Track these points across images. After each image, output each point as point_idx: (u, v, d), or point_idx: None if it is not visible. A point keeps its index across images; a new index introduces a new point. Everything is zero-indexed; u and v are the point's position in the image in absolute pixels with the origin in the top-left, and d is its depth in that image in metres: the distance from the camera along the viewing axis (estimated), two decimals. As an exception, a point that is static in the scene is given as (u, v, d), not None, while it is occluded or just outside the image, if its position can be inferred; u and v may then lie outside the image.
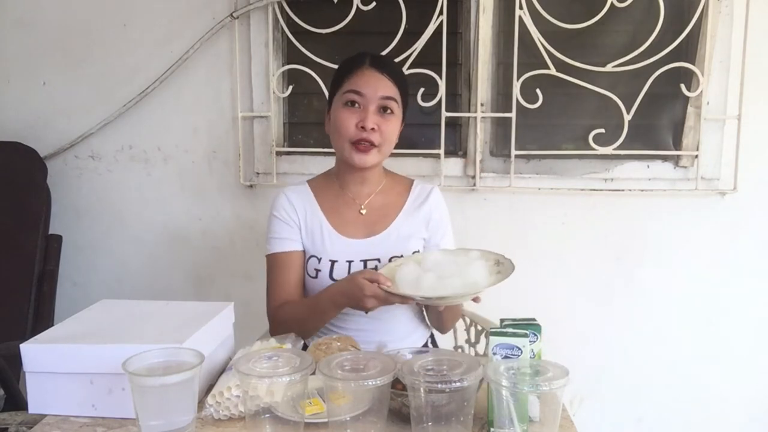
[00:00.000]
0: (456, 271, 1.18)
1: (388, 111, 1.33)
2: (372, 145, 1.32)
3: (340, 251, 1.37)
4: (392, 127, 1.34)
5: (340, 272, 1.35)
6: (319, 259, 1.37)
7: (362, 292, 1.16)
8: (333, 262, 1.36)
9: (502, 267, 1.20)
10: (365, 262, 1.36)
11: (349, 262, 1.36)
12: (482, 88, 1.99)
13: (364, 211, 1.41)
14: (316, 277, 1.37)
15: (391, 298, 1.15)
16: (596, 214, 2.03)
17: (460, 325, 1.74)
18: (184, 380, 0.86)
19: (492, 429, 0.91)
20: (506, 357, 0.93)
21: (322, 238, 1.38)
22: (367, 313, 1.25)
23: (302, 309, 1.34)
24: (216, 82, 2.08)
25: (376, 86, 1.32)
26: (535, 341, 0.96)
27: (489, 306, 1.65)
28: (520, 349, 0.93)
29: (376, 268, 1.35)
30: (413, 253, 1.38)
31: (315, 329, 1.35)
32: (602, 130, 1.94)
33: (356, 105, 1.32)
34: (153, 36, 2.07)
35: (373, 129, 1.30)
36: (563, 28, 1.90)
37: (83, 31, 2.09)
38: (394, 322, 1.40)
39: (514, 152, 1.97)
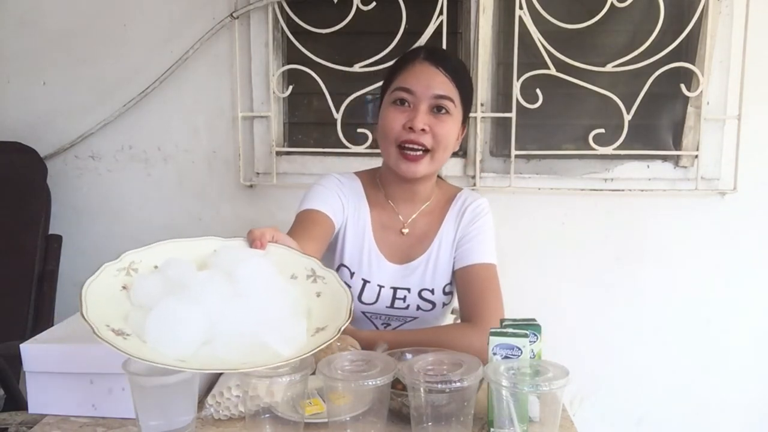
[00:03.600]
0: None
1: (443, 111, 1.17)
2: (424, 150, 1.16)
3: (375, 273, 1.27)
4: (447, 129, 1.16)
5: (369, 295, 1.27)
6: (352, 274, 1.26)
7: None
8: (365, 282, 1.26)
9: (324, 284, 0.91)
10: (395, 289, 1.27)
11: (380, 286, 1.27)
12: (482, 88, 1.99)
13: (406, 231, 1.29)
14: None
15: None
16: (596, 214, 2.03)
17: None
18: (184, 380, 0.86)
19: (492, 429, 0.91)
20: (506, 357, 0.92)
21: (361, 252, 1.26)
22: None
23: None
24: (216, 82, 2.07)
25: (429, 83, 1.16)
26: (535, 341, 0.96)
27: (489, 306, 1.66)
28: (520, 349, 0.92)
29: (404, 299, 1.26)
30: (444, 286, 1.27)
31: None
32: (602, 130, 1.95)
33: (405, 104, 1.17)
34: (153, 36, 2.07)
35: (423, 130, 1.14)
36: (563, 28, 1.90)
37: (83, 31, 2.09)
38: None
39: (514, 152, 1.97)
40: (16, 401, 1.53)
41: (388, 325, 1.30)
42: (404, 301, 1.27)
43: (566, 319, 2.02)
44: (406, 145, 1.16)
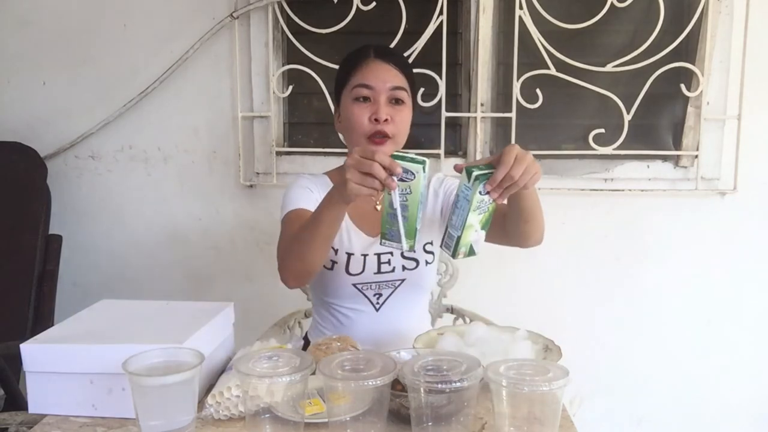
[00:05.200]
0: (500, 349, 1.09)
1: (399, 101, 1.31)
2: (387, 136, 1.29)
3: (356, 245, 1.37)
4: (404, 116, 1.32)
5: (355, 265, 1.35)
6: (336, 251, 1.36)
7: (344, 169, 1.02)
8: (349, 255, 1.35)
9: (550, 354, 1.10)
10: (379, 255, 1.36)
11: (364, 255, 1.36)
12: (482, 88, 1.99)
13: (379, 207, 1.40)
14: (331, 268, 1.36)
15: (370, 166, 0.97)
16: (596, 214, 2.03)
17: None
18: (184, 380, 0.86)
19: (383, 241, 1.01)
20: (402, 180, 0.98)
21: (340, 231, 1.35)
22: (347, 202, 1.08)
23: (300, 228, 1.21)
24: (216, 82, 2.07)
25: (385, 77, 1.30)
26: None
27: (488, 306, 1.66)
28: (414, 174, 0.97)
29: (389, 262, 1.36)
30: (425, 245, 1.38)
31: (313, 244, 1.16)
32: (602, 130, 1.95)
33: (367, 99, 1.30)
34: (153, 36, 2.07)
35: (386, 120, 1.28)
36: (563, 28, 1.90)
37: (83, 31, 2.09)
38: (402, 321, 1.40)
39: (514, 152, 1.97)
40: (16, 401, 1.53)
41: (380, 294, 1.38)
42: (389, 264, 1.36)
43: (566, 318, 2.02)
44: (374, 138, 1.30)
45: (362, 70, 1.31)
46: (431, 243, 1.40)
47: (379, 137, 1.29)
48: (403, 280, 1.37)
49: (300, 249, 1.17)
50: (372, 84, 1.29)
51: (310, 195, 1.36)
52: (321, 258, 1.20)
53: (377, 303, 1.38)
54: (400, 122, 1.31)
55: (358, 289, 1.37)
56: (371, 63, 1.31)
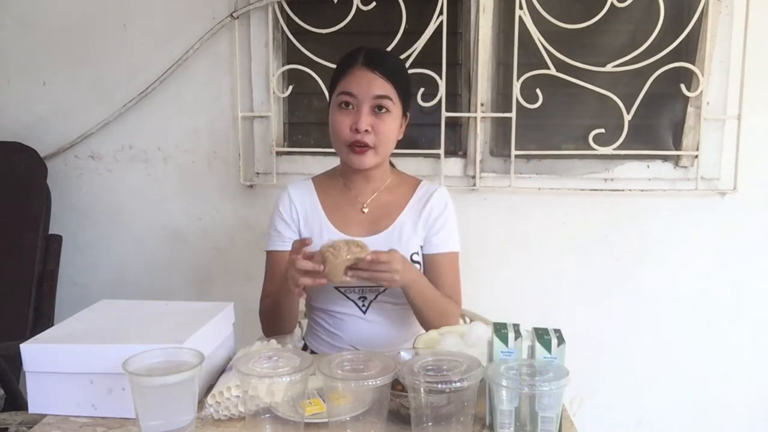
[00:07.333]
0: None
1: (383, 110, 1.31)
2: (367, 146, 1.31)
3: None
4: (388, 126, 1.32)
5: None
6: None
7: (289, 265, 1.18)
8: None
9: None
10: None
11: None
12: (482, 88, 1.99)
13: (366, 210, 1.41)
14: None
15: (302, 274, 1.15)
16: (596, 214, 2.03)
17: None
18: (184, 380, 0.86)
19: None
20: None
21: (321, 235, 1.38)
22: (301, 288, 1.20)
23: (272, 296, 1.37)
24: (216, 82, 2.07)
25: (368, 86, 1.29)
26: None
27: (487, 305, 1.66)
28: None
29: None
30: (412, 254, 1.38)
31: (282, 314, 1.34)
32: (602, 130, 1.95)
33: (350, 106, 1.31)
34: (153, 36, 2.07)
35: (366, 131, 1.29)
36: (563, 28, 1.90)
37: (83, 31, 2.09)
38: (391, 323, 1.40)
39: (514, 152, 1.97)
40: (16, 401, 1.53)
41: (365, 298, 1.38)
42: None
43: (566, 319, 2.00)
44: (354, 147, 1.32)
45: (348, 78, 1.31)
46: (417, 253, 1.40)
47: (359, 146, 1.31)
48: (386, 288, 1.37)
49: (272, 321, 1.36)
50: (355, 92, 1.30)
51: (287, 228, 1.41)
52: (291, 323, 1.36)
53: (363, 306, 1.39)
54: (382, 132, 1.31)
55: (342, 293, 1.38)
56: (357, 71, 1.31)
